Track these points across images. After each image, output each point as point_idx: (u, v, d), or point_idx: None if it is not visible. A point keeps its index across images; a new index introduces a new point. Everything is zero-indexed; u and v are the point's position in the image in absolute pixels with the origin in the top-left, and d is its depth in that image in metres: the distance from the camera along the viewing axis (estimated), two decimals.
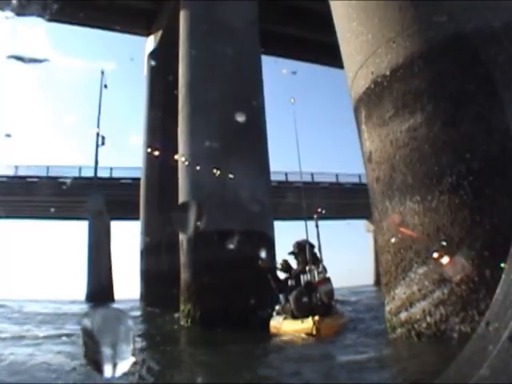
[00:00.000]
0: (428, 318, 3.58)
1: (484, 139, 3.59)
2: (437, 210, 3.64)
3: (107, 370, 1.91)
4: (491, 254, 3.29)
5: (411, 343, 3.77)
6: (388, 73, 4.21)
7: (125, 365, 1.95)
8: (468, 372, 1.53)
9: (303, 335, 6.31)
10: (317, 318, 6.20)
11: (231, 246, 10.05)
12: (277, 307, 7.88)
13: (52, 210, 34.27)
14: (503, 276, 1.95)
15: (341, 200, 40.13)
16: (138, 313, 13.89)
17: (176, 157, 11.87)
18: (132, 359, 1.99)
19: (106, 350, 1.97)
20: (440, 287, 3.51)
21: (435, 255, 3.53)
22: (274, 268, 8.34)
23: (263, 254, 9.03)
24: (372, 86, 4.40)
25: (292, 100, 10.95)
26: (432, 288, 3.57)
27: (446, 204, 3.59)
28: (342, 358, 4.64)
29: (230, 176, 10.48)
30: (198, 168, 11.00)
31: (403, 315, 3.87)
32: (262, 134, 12.18)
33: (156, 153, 15.94)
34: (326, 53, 16.59)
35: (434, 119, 3.82)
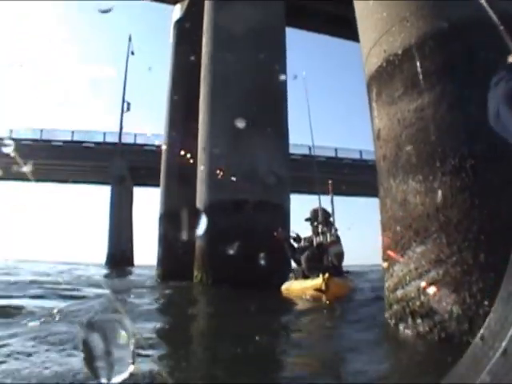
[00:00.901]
0: (422, 297, 3.64)
1: (487, 124, 3.59)
2: (438, 190, 3.67)
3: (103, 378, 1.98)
4: (487, 238, 3.33)
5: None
6: (400, 52, 4.20)
7: (125, 373, 2.02)
8: (469, 378, 1.52)
9: (312, 291, 6.42)
10: (327, 275, 6.32)
11: (245, 216, 10.20)
12: (290, 275, 8.05)
13: (76, 174, 34.75)
14: (504, 280, 1.96)
15: (362, 177, 39.77)
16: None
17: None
18: (132, 367, 2.06)
19: (106, 358, 2.03)
20: (435, 267, 3.56)
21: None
22: (289, 238, 8.51)
23: (279, 227, 9.16)
24: (384, 64, 4.39)
25: (303, 73, 10.92)
26: (428, 267, 3.62)
27: (447, 185, 3.62)
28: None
29: (247, 149, 10.56)
30: (215, 140, 11.10)
31: (399, 292, 3.94)
32: (282, 106, 12.20)
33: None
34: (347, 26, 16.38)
35: (441, 101, 3.82)
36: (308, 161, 35.02)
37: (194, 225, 11.87)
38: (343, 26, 19.88)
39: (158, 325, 4.77)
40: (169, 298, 8.46)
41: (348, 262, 8.35)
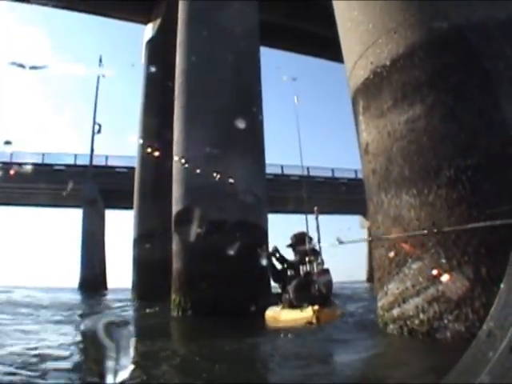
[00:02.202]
0: (421, 315, 3.50)
1: (484, 134, 3.51)
2: (433, 204, 3.55)
3: (108, 377, 1.85)
4: (487, 251, 3.22)
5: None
6: (388, 63, 4.11)
7: (125, 372, 1.89)
8: (468, 378, 1.52)
9: (302, 323, 6.28)
10: (316, 307, 6.17)
11: (224, 237, 10.00)
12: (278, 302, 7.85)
13: (46, 197, 34.19)
14: (503, 282, 1.89)
15: (336, 195, 40.18)
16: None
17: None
18: (132, 367, 1.93)
19: (107, 358, 1.91)
20: (434, 284, 3.43)
21: (434, 272, 3.44)
22: (271, 256, 8.31)
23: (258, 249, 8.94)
24: (371, 76, 4.30)
25: (295, 100, 10.77)
26: (426, 284, 3.49)
27: (442, 198, 3.51)
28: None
29: (225, 167, 10.42)
30: (192, 158, 10.93)
31: (396, 311, 3.79)
32: (258, 125, 12.09)
33: (149, 149, 15.79)
34: (326, 46, 16.54)
35: (433, 112, 3.73)
36: (281, 180, 35.22)
37: (169, 246, 11.65)
38: (322, 46, 20.05)
39: None
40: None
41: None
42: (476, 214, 3.35)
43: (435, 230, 3.51)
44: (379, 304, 4.15)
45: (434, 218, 3.53)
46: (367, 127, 4.38)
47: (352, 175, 43.77)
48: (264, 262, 8.19)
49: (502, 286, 1.89)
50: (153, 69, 18.07)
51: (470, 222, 3.36)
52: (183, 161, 11.11)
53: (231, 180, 9.89)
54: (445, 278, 3.36)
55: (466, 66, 3.70)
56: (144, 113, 18.54)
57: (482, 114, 3.55)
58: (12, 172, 29.25)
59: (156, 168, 15.65)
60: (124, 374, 1.93)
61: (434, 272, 3.43)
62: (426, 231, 3.47)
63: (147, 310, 10.03)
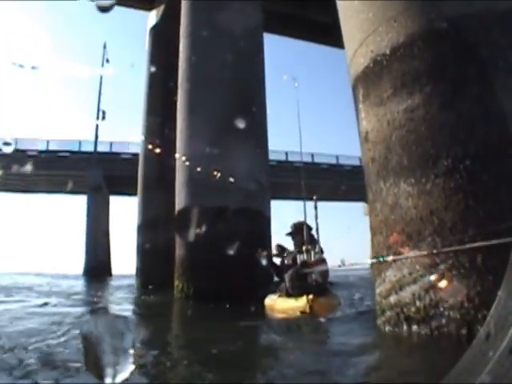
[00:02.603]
0: (417, 302, 3.53)
1: (482, 124, 3.51)
2: (431, 193, 3.57)
3: (108, 377, 1.86)
4: (483, 240, 3.23)
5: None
6: (388, 52, 4.11)
7: (125, 371, 1.90)
8: (468, 378, 1.50)
9: (297, 313, 6.30)
10: (311, 296, 6.19)
11: (226, 223, 10.05)
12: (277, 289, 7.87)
13: (51, 184, 34.30)
14: (503, 283, 1.90)
15: (340, 182, 40.10)
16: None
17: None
18: (132, 366, 1.94)
19: (107, 357, 1.91)
20: (431, 272, 3.46)
21: (432, 278, 3.46)
22: (271, 256, 8.32)
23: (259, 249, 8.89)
24: (371, 64, 4.30)
25: (296, 84, 10.75)
26: (422, 272, 3.52)
27: (440, 187, 3.52)
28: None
29: (228, 154, 10.44)
30: (195, 145, 10.95)
31: (393, 298, 3.83)
32: (261, 111, 12.09)
33: (153, 146, 15.75)
34: (328, 33, 16.45)
35: (432, 101, 3.73)
36: (284, 166, 35.19)
37: (173, 233, 11.70)
38: (322, 32, 19.97)
39: None
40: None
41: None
42: (473, 203, 3.37)
43: (435, 251, 3.54)
44: (377, 291, 4.18)
45: (432, 206, 3.55)
46: (367, 115, 4.39)
47: (356, 162, 43.68)
48: (264, 262, 8.19)
49: (502, 286, 1.89)
50: (157, 56, 18.04)
51: (467, 211, 3.38)
52: (186, 149, 11.14)
53: (231, 179, 9.92)
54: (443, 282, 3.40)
55: (464, 57, 3.70)
56: (147, 100, 18.53)
57: (480, 104, 3.56)
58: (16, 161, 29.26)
59: (160, 156, 15.67)
60: (124, 373, 1.93)
61: (433, 277, 3.46)
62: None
63: (151, 297, 10.07)
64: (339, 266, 5.86)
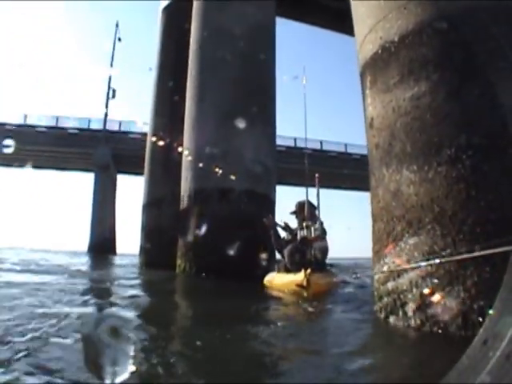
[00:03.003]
0: (414, 290, 3.55)
1: (487, 114, 3.50)
2: (433, 181, 3.57)
3: (107, 377, 1.89)
4: (482, 230, 3.24)
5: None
6: (397, 39, 4.09)
7: (125, 372, 1.93)
8: (468, 378, 1.53)
9: (294, 287, 6.32)
10: (309, 270, 6.22)
11: (230, 205, 10.10)
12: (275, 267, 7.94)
13: (59, 160, 34.41)
14: (502, 287, 1.92)
15: (348, 170, 40.05)
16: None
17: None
18: (132, 367, 1.96)
19: (106, 357, 1.94)
20: (429, 260, 3.47)
21: (426, 291, 3.47)
22: (276, 226, 8.39)
23: (269, 214, 9.04)
24: (379, 51, 4.28)
25: (303, 82, 10.69)
26: (421, 259, 3.54)
27: (442, 176, 3.52)
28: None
29: (235, 136, 10.48)
30: (202, 126, 10.97)
31: (390, 284, 3.85)
32: (270, 95, 12.10)
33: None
34: (340, 19, 16.36)
35: (438, 89, 3.72)
36: (293, 152, 35.17)
37: (177, 213, 11.76)
38: (336, 19, 19.83)
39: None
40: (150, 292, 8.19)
41: (334, 255, 8.29)
42: (474, 193, 3.37)
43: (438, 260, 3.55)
44: (376, 277, 4.21)
45: (433, 194, 3.55)
46: (373, 102, 4.39)
47: (364, 151, 43.33)
48: (270, 230, 8.27)
49: (500, 291, 1.89)
50: (168, 37, 17.97)
51: (468, 200, 3.39)
52: (193, 131, 11.17)
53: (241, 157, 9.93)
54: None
55: (471, 46, 3.68)
56: (158, 80, 18.49)
57: (485, 95, 3.54)
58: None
59: (167, 136, 15.68)
60: (124, 374, 1.95)
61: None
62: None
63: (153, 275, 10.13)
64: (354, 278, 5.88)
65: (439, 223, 3.47)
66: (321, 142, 42.92)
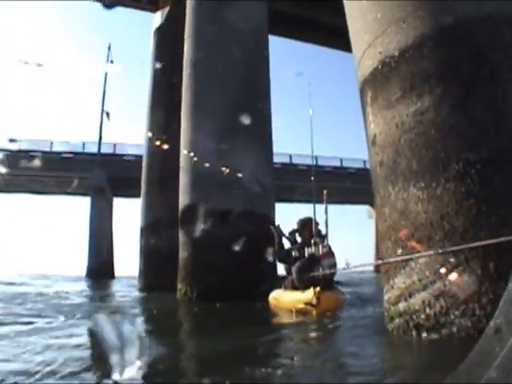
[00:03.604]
0: (427, 310, 3.45)
1: (494, 127, 3.44)
2: (441, 197, 3.49)
3: (115, 374, 1.82)
4: (495, 246, 3.15)
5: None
6: (397, 53, 4.03)
7: (132, 369, 1.85)
8: (476, 373, 1.48)
9: (302, 305, 6.20)
10: (318, 288, 6.10)
11: (230, 227, 10.00)
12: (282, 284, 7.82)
13: (54, 185, 34.32)
14: (510, 278, 1.85)
15: (344, 184, 40.15)
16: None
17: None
18: (139, 363, 1.88)
19: (114, 355, 1.87)
20: (441, 278, 3.38)
21: (443, 271, 3.38)
22: (283, 236, 8.28)
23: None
24: (379, 66, 4.22)
25: (310, 111, 10.62)
26: (433, 278, 3.44)
27: (451, 192, 3.44)
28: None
29: (232, 157, 10.41)
30: (199, 147, 10.90)
31: (402, 305, 3.74)
32: (266, 114, 12.04)
33: (158, 142, 15.59)
34: (334, 35, 16.45)
35: (442, 103, 3.65)
36: (289, 169, 35.18)
37: (176, 235, 11.64)
38: (329, 35, 19.95)
39: None
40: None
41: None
42: (485, 208, 3.29)
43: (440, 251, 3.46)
44: (385, 297, 4.10)
45: (442, 211, 3.47)
46: (375, 118, 4.31)
47: (360, 165, 43.77)
48: (275, 238, 8.16)
49: (510, 280, 1.83)
50: (161, 57, 18.00)
51: (479, 216, 3.30)
52: (190, 150, 11.09)
53: (240, 174, 9.87)
54: (453, 275, 3.31)
55: (475, 59, 3.63)
56: (152, 100, 18.49)
57: (491, 107, 3.48)
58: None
59: (163, 157, 15.62)
60: (131, 371, 1.89)
61: (443, 270, 3.37)
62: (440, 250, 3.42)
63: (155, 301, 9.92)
64: (344, 269, 5.79)
65: (450, 240, 3.39)
66: (316, 157, 43.05)
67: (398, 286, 3.83)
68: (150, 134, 18.01)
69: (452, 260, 3.34)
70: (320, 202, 7.54)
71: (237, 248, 9.41)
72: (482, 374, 1.40)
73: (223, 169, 10.00)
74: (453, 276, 3.31)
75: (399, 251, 3.85)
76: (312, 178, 9.83)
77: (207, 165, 10.16)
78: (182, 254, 10.90)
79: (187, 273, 10.49)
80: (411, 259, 3.66)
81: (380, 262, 4.14)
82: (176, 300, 10.25)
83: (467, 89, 3.58)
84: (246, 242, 9.54)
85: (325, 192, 7.34)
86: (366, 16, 4.49)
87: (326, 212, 7.40)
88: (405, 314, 3.70)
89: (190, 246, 10.68)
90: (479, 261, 3.21)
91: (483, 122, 3.48)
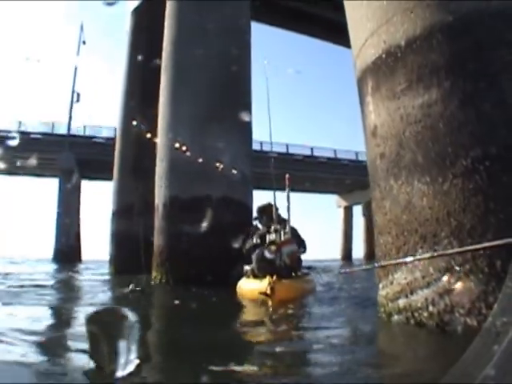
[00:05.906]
0: (431, 307, 3.37)
1: (503, 123, 3.35)
2: (448, 193, 3.40)
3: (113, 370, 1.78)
4: (504, 244, 3.08)
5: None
6: (403, 43, 3.92)
7: (130, 365, 1.80)
8: (473, 372, 1.44)
9: (259, 295, 6.06)
10: (274, 277, 5.99)
11: (208, 213, 9.87)
12: (247, 267, 7.64)
13: (22, 165, 33.58)
14: (509, 274, 1.82)
15: (313, 173, 40.38)
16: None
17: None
18: (137, 360, 1.81)
19: (111, 350, 1.80)
20: (446, 276, 3.30)
21: (447, 282, 3.30)
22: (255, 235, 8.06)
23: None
24: (383, 55, 4.10)
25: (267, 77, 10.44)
26: (437, 276, 3.36)
27: (458, 188, 3.36)
28: None
29: (211, 143, 10.28)
30: (177, 132, 10.72)
31: (402, 302, 3.66)
32: (246, 100, 11.88)
33: (134, 122, 15.28)
34: (323, 27, 16.37)
35: (451, 97, 3.55)
36: (260, 156, 35.14)
37: (149, 221, 11.48)
38: (313, 24, 19.88)
39: None
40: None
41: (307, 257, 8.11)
42: (493, 205, 3.22)
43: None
44: (382, 293, 4.02)
45: (449, 207, 3.38)
46: (376, 109, 4.21)
47: (331, 154, 44.11)
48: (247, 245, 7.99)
49: (507, 277, 1.90)
50: (138, 39, 17.61)
51: (487, 214, 3.23)
52: (167, 136, 10.91)
53: (219, 164, 9.74)
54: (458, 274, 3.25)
55: (485, 52, 3.54)
56: (127, 83, 18.13)
57: (501, 103, 3.40)
58: None
59: (137, 142, 15.36)
60: (128, 367, 1.84)
61: (448, 268, 3.30)
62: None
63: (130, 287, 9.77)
64: (344, 272, 5.70)
65: (457, 238, 3.31)
66: (286, 145, 43.20)
67: (397, 282, 3.75)
68: (123, 118, 17.70)
69: (458, 257, 3.27)
70: (283, 188, 7.38)
71: (213, 235, 9.32)
72: (478, 373, 1.39)
73: (200, 160, 9.86)
74: (458, 275, 3.24)
75: (400, 245, 3.77)
76: (271, 164, 9.62)
77: (188, 153, 9.99)
78: (158, 241, 10.74)
79: (162, 261, 10.34)
80: (415, 254, 3.59)
81: (382, 263, 4.03)
82: (151, 284, 10.09)
83: (476, 83, 3.49)
84: (223, 229, 9.44)
85: (287, 177, 7.22)
86: (371, 3, 4.37)
87: (288, 197, 7.31)
88: (405, 311, 3.62)
89: (165, 232, 10.53)
90: (486, 259, 3.14)
91: (492, 117, 3.39)
